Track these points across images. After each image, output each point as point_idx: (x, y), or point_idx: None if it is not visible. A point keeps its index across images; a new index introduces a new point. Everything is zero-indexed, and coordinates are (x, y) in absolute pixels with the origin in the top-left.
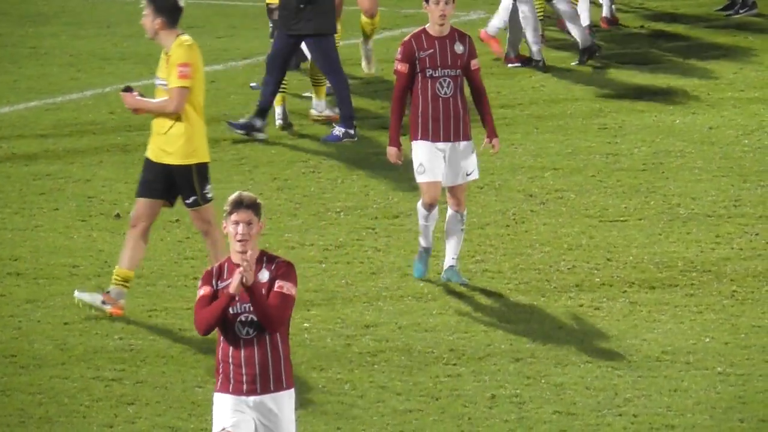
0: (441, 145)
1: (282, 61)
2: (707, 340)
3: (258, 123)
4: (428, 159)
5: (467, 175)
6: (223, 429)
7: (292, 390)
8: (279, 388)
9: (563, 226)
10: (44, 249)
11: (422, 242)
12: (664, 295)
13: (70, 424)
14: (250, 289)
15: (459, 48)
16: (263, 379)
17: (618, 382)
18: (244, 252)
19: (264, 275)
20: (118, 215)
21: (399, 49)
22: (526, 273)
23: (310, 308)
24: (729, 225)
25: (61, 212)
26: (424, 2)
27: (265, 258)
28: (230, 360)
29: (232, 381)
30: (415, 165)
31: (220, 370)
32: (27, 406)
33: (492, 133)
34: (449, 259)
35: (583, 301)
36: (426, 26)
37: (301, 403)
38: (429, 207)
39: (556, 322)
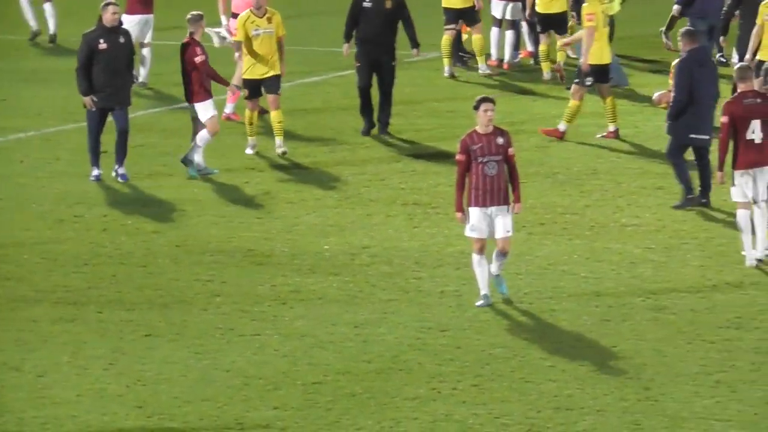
0: (489, 209)
1: None
2: (576, 256)
3: None
4: (477, 221)
5: (507, 231)
6: None
7: None
8: None
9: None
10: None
11: (480, 286)
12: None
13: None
14: None
15: (500, 140)
16: None
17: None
18: None
19: None
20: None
21: (458, 145)
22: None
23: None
24: (587, 185)
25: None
26: (474, 109)
27: None
28: None
29: None
30: (468, 225)
31: None
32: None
33: (517, 200)
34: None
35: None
36: (476, 128)
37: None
38: (478, 252)
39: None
